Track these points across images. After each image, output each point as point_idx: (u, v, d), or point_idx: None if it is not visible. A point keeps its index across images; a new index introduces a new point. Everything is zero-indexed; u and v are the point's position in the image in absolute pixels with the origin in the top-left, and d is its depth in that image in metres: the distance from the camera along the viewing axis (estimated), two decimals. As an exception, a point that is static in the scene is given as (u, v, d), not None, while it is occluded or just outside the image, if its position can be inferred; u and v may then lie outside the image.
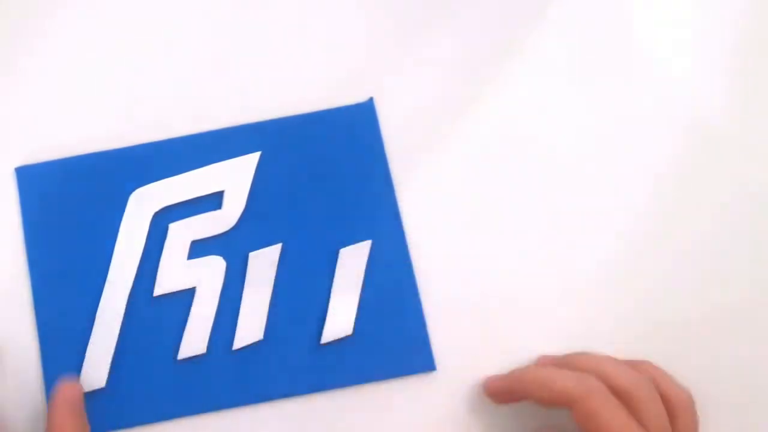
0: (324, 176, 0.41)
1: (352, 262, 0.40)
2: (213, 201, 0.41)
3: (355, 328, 0.40)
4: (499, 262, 0.40)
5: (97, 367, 0.39)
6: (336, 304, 0.40)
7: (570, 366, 0.36)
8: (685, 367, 0.38)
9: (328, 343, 0.39)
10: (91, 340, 0.39)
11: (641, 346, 0.39)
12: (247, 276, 0.40)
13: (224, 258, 0.40)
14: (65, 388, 0.37)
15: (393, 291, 0.40)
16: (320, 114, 0.41)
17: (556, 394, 0.35)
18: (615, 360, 0.37)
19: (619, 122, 0.42)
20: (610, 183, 0.41)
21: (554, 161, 0.41)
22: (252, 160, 0.41)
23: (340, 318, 0.40)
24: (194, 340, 0.40)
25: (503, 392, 0.38)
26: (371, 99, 0.41)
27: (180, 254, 0.40)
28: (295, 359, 0.40)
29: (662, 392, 0.36)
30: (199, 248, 0.40)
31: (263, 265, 0.40)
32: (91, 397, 0.39)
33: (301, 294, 0.40)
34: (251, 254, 0.40)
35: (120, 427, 0.39)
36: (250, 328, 0.40)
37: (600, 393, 0.34)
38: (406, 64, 0.42)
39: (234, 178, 0.41)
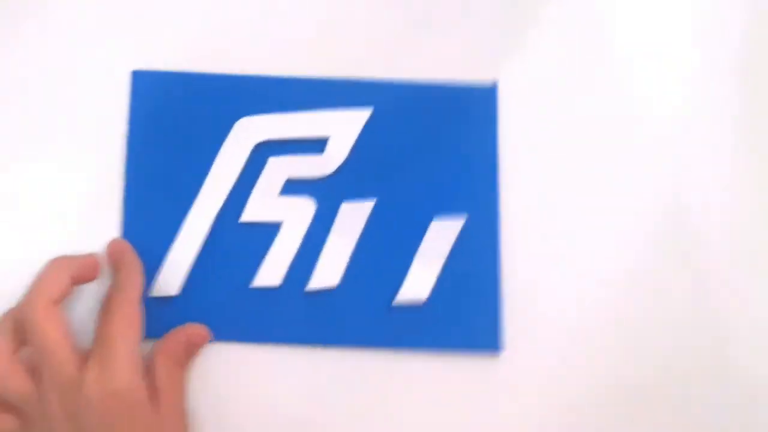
0: (430, 147, 0.41)
1: (443, 235, 0.40)
2: (316, 145, 0.41)
3: (430, 296, 0.40)
4: (590, 260, 0.40)
5: (173, 274, 0.40)
6: (417, 269, 0.40)
7: None
8: None
9: (400, 305, 0.40)
10: (172, 248, 0.40)
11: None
12: (335, 223, 0.40)
13: (315, 201, 0.41)
14: (192, 331, 0.39)
15: (475, 268, 0.40)
16: (441, 88, 0.42)
17: None
18: None
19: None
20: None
21: (667, 158, 0.42)
22: (363, 115, 0.42)
23: (419, 283, 0.40)
24: (270, 272, 0.40)
25: None
26: (495, 84, 0.42)
27: (273, 188, 0.41)
28: (363, 312, 0.40)
29: None
30: (292, 187, 0.41)
31: (354, 216, 0.41)
32: (162, 302, 0.39)
33: (384, 252, 0.40)
34: (344, 204, 0.41)
35: (184, 337, 0.39)
36: (327, 273, 0.40)
37: None
38: (532, 47, 0.43)
39: (342, 128, 0.41)
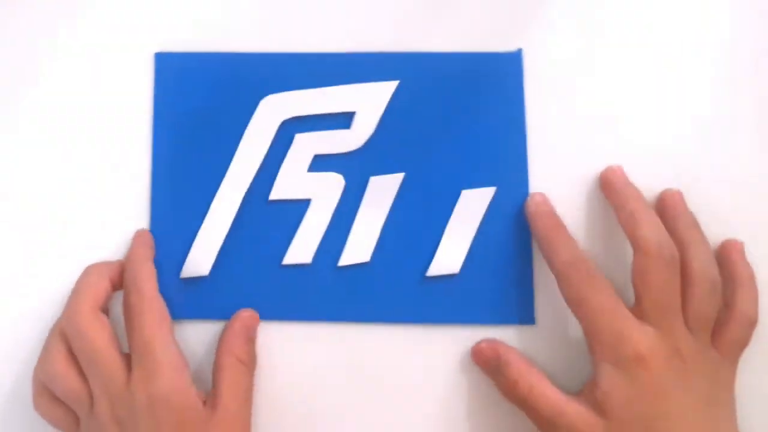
0: (458, 118, 0.41)
1: (473, 205, 0.40)
2: (343, 120, 0.41)
3: (462, 269, 0.39)
4: (619, 229, 0.39)
5: (203, 254, 0.40)
6: (448, 241, 0.39)
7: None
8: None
9: (433, 278, 0.39)
10: (201, 228, 0.40)
11: None
12: (364, 198, 0.40)
13: (344, 177, 0.40)
14: (245, 316, 0.38)
15: (507, 240, 0.40)
16: (466, 56, 0.41)
17: (634, 238, 0.36)
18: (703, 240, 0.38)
19: None
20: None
21: (694, 121, 0.41)
22: (389, 87, 0.41)
23: (450, 256, 0.39)
24: (301, 249, 0.40)
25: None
26: (520, 50, 0.41)
27: (302, 165, 0.41)
28: (396, 287, 0.39)
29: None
30: (320, 163, 0.41)
31: (383, 190, 0.40)
32: (193, 282, 0.39)
33: (414, 225, 0.40)
34: (372, 178, 0.40)
35: (217, 318, 0.39)
36: (358, 248, 0.40)
37: (665, 261, 0.35)
38: (554, 16, 0.42)
39: (368, 101, 0.41)
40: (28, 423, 0.39)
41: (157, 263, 0.39)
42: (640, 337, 0.35)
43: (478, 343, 0.38)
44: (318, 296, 0.39)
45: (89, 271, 0.37)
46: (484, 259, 0.39)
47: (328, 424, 0.39)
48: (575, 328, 0.38)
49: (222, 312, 0.39)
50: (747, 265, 0.38)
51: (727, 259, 0.38)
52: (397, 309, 0.39)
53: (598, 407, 0.35)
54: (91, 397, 0.35)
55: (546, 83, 0.41)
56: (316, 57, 0.42)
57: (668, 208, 0.38)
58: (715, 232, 0.39)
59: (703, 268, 0.36)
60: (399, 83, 0.41)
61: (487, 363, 0.38)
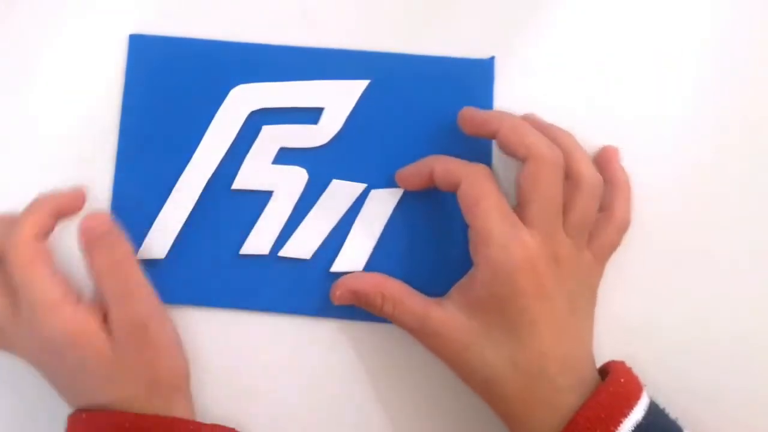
0: (425, 121, 0.41)
1: (377, 204, 0.40)
2: (311, 115, 0.41)
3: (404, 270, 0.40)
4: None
5: (161, 238, 0.40)
6: (353, 240, 0.40)
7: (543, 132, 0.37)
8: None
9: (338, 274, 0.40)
10: (161, 212, 0.40)
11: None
12: (321, 197, 0.40)
13: (308, 171, 0.40)
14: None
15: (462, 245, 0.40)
16: (438, 59, 0.41)
17: (524, 147, 0.36)
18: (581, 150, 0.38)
19: None
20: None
21: (664, 134, 0.41)
22: (360, 86, 0.41)
23: (354, 254, 0.40)
24: (259, 240, 0.40)
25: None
26: (492, 58, 0.41)
27: (267, 156, 0.41)
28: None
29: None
30: (285, 156, 0.41)
31: (341, 195, 0.40)
32: (149, 264, 0.39)
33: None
34: (334, 181, 0.40)
35: (170, 302, 0.39)
36: (301, 244, 0.40)
37: (556, 166, 0.36)
38: (529, 24, 0.42)
39: (338, 98, 0.41)
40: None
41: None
42: (529, 241, 0.35)
43: (333, 293, 0.38)
44: (273, 287, 0.40)
45: (33, 201, 0.37)
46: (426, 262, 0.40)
47: (268, 407, 0.39)
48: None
49: (176, 296, 0.39)
50: (624, 170, 0.39)
51: (607, 164, 0.39)
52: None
53: (468, 308, 0.35)
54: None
55: (516, 92, 0.41)
56: (290, 50, 0.42)
57: (543, 127, 0.38)
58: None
59: (590, 171, 0.37)
60: (370, 82, 0.41)
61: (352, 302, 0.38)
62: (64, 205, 0.38)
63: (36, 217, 0.36)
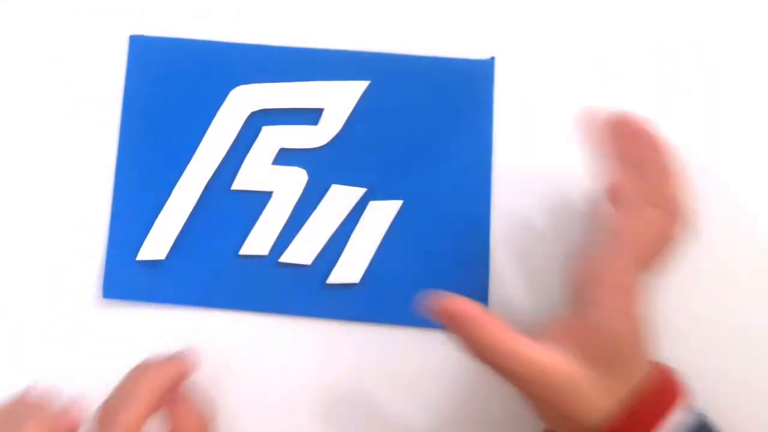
0: (426, 122, 0.41)
1: (378, 214, 0.40)
2: (311, 116, 0.41)
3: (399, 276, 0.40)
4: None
5: (161, 239, 0.40)
6: (350, 251, 0.40)
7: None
8: None
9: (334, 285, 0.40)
10: (162, 212, 0.40)
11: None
12: (321, 202, 0.40)
13: (307, 172, 0.40)
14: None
15: (462, 249, 0.40)
16: (438, 60, 0.41)
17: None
18: None
19: None
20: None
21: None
22: (360, 86, 0.41)
23: (351, 266, 0.40)
24: (259, 241, 0.40)
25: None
26: (492, 58, 0.41)
27: (266, 157, 0.41)
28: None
29: None
30: (285, 157, 0.41)
31: (341, 199, 0.40)
32: (149, 265, 0.39)
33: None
34: (334, 186, 0.40)
35: (170, 302, 0.39)
36: (301, 250, 0.40)
37: None
38: (529, 24, 0.42)
39: (338, 99, 0.41)
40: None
41: (117, 244, 0.39)
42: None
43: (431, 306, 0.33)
44: (270, 288, 0.40)
45: (139, 381, 0.34)
46: (441, 267, 0.40)
47: (268, 407, 0.39)
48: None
49: (176, 297, 0.39)
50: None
51: None
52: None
53: (584, 357, 0.31)
54: None
55: (516, 92, 0.41)
56: (289, 51, 0.42)
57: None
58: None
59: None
60: (370, 83, 0.41)
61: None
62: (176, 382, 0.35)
63: (151, 397, 0.33)
